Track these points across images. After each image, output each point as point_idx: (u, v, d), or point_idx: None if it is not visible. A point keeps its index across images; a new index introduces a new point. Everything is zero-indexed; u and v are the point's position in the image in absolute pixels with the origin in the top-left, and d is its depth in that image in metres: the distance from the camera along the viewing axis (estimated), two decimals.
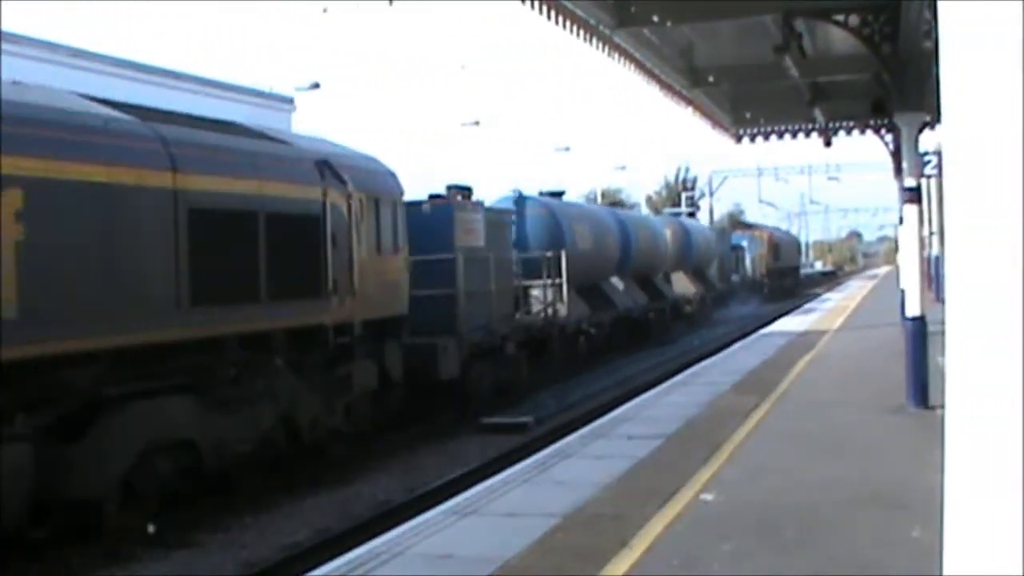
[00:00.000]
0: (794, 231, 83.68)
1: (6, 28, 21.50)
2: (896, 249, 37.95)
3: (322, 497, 12.01)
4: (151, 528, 9.80)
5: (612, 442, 10.61)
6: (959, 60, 1.97)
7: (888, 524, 6.90)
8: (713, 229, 47.95)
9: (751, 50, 14.00)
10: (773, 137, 20.47)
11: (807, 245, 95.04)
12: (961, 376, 1.98)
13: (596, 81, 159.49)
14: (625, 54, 12.88)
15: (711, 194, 67.53)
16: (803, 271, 73.00)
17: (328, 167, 13.04)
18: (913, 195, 12.39)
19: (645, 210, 59.90)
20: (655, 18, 11.56)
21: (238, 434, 11.20)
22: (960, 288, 1.99)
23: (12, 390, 8.55)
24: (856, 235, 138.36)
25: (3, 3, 22.54)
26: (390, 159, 15.83)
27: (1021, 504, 1.88)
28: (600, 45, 11.90)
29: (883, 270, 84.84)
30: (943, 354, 2.17)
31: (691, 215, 48.41)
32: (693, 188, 70.29)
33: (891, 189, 19.73)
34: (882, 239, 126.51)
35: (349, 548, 7.26)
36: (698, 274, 38.51)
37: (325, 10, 38.80)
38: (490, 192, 21.07)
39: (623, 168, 61.40)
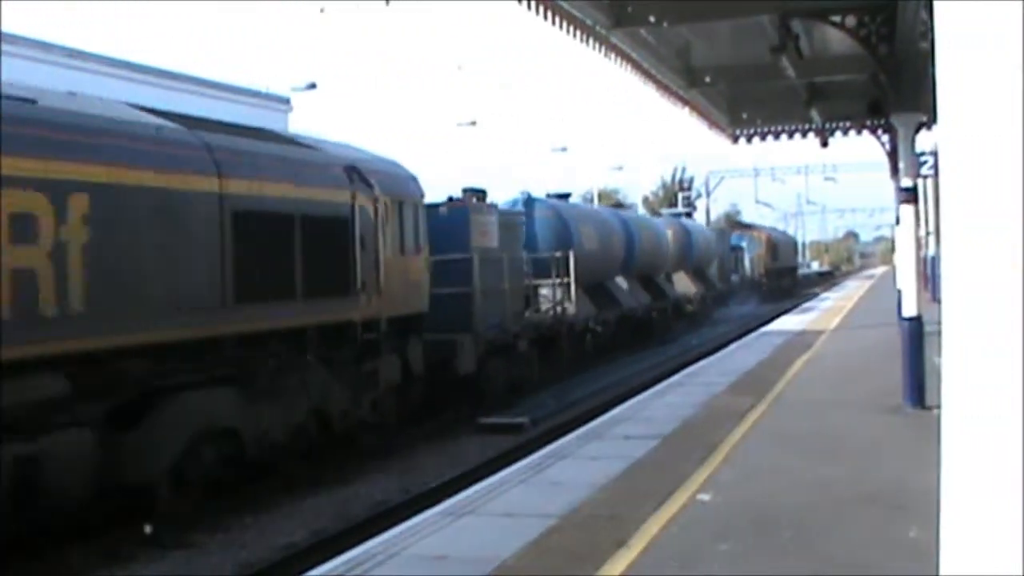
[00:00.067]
0: (791, 231, 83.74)
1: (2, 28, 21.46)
2: (892, 249, 38.05)
3: (321, 497, 12.00)
4: (148, 529, 9.83)
5: (609, 443, 10.61)
6: (955, 60, 1.97)
7: (885, 524, 6.90)
8: (713, 230, 48.24)
9: (748, 50, 14.01)
10: (770, 138, 20.49)
11: (803, 246, 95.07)
12: (958, 376, 1.98)
13: (593, 81, 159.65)
14: (622, 54, 12.88)
15: (708, 194, 67.61)
16: (800, 271, 73.13)
17: (356, 172, 13.64)
18: (909, 195, 12.39)
19: (642, 210, 59.90)
20: (652, 18, 11.57)
21: (276, 424, 11.82)
22: (956, 288, 1.99)
23: (77, 379, 9.12)
24: (853, 235, 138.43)
25: (2, 3, 22.48)
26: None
27: (1017, 504, 1.88)
28: (597, 45, 11.90)
29: (879, 270, 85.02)
30: (939, 354, 2.17)
31: (688, 215, 48.52)
32: (690, 188, 70.35)
33: (887, 189, 19.76)
34: (878, 239, 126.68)
35: (346, 549, 7.25)
36: (699, 274, 38.94)
37: (322, 10, 38.90)
38: (490, 192, 21.39)
39: (620, 168, 61.50)
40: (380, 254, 13.85)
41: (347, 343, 13.24)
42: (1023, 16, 1.87)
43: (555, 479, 8.86)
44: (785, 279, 60.53)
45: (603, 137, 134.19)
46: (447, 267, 16.91)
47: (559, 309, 22.09)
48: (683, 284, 36.40)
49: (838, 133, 19.92)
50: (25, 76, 13.98)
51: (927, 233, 29.57)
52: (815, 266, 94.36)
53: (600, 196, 56.35)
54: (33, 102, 9.22)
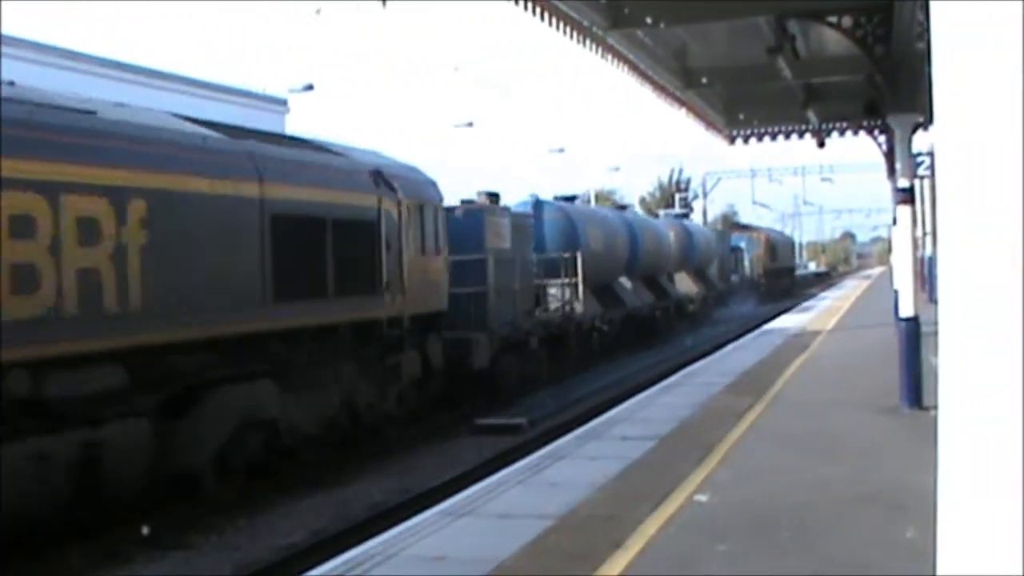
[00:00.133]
0: (788, 232, 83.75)
1: None
2: (889, 250, 38.03)
3: (319, 497, 12.01)
4: (145, 529, 9.83)
5: (606, 443, 10.61)
6: (951, 61, 1.98)
7: (883, 524, 6.90)
8: (713, 231, 48.49)
9: (744, 51, 14.02)
10: (766, 138, 20.51)
11: (800, 246, 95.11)
12: (956, 376, 1.98)
13: (590, 82, 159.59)
14: (618, 55, 12.89)
15: (704, 195, 67.61)
16: (797, 272, 73.26)
17: (380, 177, 14.36)
18: (906, 196, 12.40)
19: (639, 211, 59.94)
20: (648, 19, 11.57)
21: (310, 416, 12.56)
22: (954, 289, 1.99)
23: (135, 372, 9.79)
24: (850, 236, 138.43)
25: (2, 4, 22.45)
26: None
27: (1014, 504, 1.89)
28: (593, 46, 11.91)
29: (876, 271, 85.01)
30: (936, 354, 2.18)
31: (684, 216, 48.61)
32: (687, 189, 70.38)
33: (884, 190, 19.72)
34: (875, 240, 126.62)
35: (344, 549, 7.25)
36: (700, 274, 39.34)
37: (319, 11, 38.87)
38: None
39: (617, 169, 61.55)
40: (403, 255, 14.62)
41: (373, 339, 14.02)
42: (1020, 16, 1.88)
43: (553, 480, 8.86)
44: (783, 279, 60.77)
45: (600, 138, 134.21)
46: (463, 267, 17.56)
47: (567, 308, 22.76)
48: (685, 284, 36.81)
49: (835, 134, 19.93)
50: (24, 77, 13.94)
51: (924, 233, 29.58)
52: (812, 267, 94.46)
53: (597, 197, 56.34)
54: (93, 113, 9.81)
